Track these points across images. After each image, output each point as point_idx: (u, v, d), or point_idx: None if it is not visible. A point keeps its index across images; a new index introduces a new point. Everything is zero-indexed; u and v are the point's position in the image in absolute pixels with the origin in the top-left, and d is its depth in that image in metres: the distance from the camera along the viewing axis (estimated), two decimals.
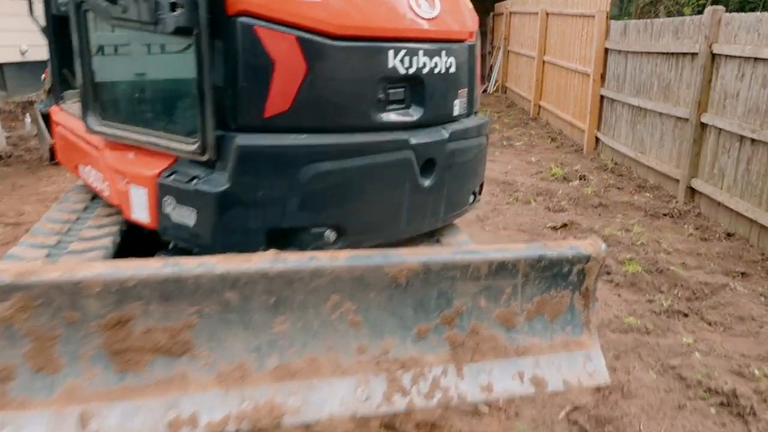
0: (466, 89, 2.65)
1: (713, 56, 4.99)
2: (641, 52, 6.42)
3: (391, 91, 2.30)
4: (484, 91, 13.64)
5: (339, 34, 2.06)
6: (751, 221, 4.40)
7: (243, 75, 1.94)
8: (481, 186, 2.94)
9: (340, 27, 2.05)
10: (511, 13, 12.68)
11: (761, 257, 4.17)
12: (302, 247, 2.12)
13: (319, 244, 2.19)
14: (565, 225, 4.85)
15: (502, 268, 1.78)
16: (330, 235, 2.25)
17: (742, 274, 3.93)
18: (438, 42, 2.42)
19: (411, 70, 2.31)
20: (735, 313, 3.43)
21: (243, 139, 1.97)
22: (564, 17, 9.14)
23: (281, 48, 1.96)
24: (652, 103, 6.14)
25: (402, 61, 2.26)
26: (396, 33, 2.26)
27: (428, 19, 2.38)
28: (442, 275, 1.73)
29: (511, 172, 6.77)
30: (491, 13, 14.89)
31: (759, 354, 3.03)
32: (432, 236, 2.79)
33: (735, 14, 4.81)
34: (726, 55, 4.82)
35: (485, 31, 15.77)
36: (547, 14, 9.93)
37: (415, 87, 2.36)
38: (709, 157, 5.11)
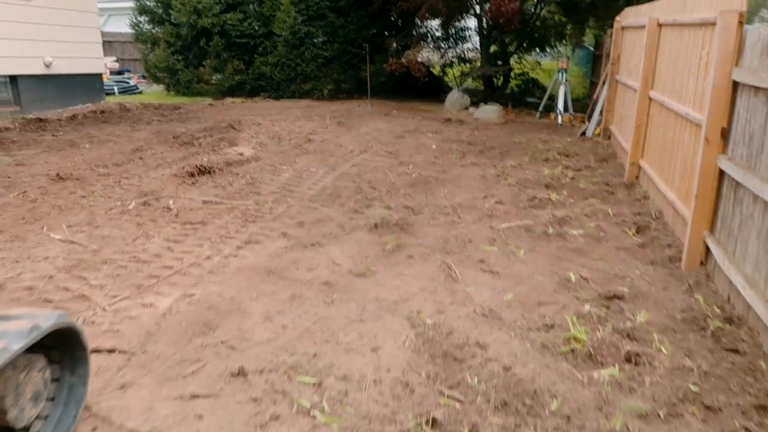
0: None
1: None
2: None
3: None
4: (582, 134, 10.03)
5: None
6: None
7: None
8: None
9: None
10: (623, 27, 9.05)
11: None
12: None
13: None
14: None
15: None
16: None
17: None
18: None
19: None
20: None
21: None
22: (680, 29, 5.56)
23: None
24: None
25: None
26: None
27: None
28: None
29: (501, 308, 3.49)
30: (609, 30, 11.21)
31: None
32: None
33: None
34: None
35: (600, 54, 12.12)
36: (659, 25, 6.35)
37: None
38: None
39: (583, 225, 5.34)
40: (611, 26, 11.11)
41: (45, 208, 5.33)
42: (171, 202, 5.39)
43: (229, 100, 14.31)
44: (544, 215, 5.60)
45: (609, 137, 9.38)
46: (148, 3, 15.61)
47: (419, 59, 13.52)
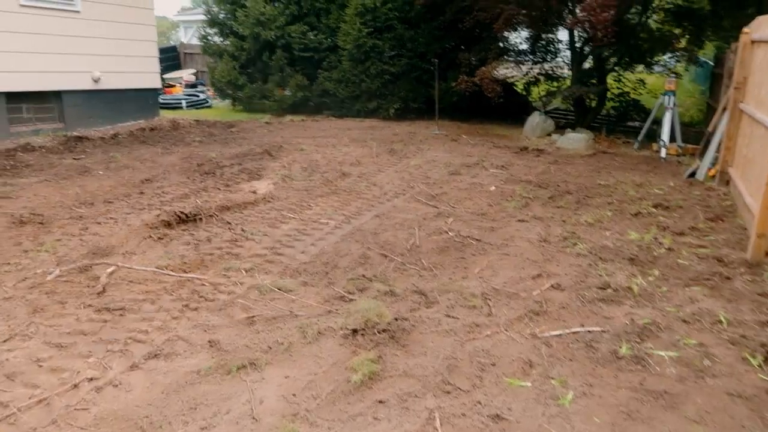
0: None
1: None
2: None
3: None
4: (692, 174, 7.91)
5: None
6: None
7: None
8: None
9: None
10: (753, 41, 6.92)
11: None
12: None
13: None
14: None
15: None
16: None
17: None
18: None
19: None
20: None
21: None
22: None
23: None
24: None
25: None
26: None
27: None
28: None
29: None
30: (733, 44, 8.98)
31: None
32: None
33: None
34: None
35: (720, 73, 9.86)
36: None
37: None
38: None
39: (678, 341, 3.52)
40: (737, 38, 8.86)
41: None
42: (110, 270, 4.16)
43: (288, 118, 13.30)
44: (618, 317, 3.83)
45: (727, 182, 7.24)
46: (220, 15, 15.03)
47: (497, 76, 11.77)
